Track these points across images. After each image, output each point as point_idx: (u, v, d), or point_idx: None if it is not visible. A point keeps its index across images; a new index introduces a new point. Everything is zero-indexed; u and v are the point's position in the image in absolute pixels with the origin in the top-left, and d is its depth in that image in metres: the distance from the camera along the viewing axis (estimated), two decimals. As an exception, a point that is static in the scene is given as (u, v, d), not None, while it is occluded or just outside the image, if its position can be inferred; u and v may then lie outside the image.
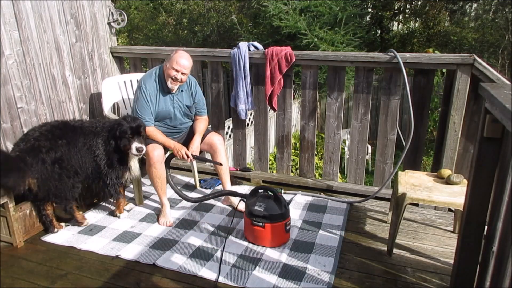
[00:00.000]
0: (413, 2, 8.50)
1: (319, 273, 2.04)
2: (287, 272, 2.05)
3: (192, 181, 3.25)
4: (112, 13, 3.35)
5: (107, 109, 2.99)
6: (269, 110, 3.12)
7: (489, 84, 1.53)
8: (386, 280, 2.00)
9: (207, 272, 2.05)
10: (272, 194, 2.32)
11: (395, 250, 2.24)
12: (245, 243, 2.33)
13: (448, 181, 2.19)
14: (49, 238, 2.41)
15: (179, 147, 2.57)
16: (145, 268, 2.11)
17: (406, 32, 9.01)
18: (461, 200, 1.82)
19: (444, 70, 3.27)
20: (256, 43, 3.03)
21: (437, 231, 2.47)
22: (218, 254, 2.22)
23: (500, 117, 1.23)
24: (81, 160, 2.42)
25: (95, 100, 3.28)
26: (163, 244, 2.33)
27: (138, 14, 10.86)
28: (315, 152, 3.18)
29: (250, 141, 5.90)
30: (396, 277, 2.03)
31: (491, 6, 8.20)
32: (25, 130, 2.67)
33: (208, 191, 3.10)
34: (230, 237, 2.40)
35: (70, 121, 2.59)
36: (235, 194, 2.57)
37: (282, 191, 3.03)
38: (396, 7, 8.41)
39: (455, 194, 2.06)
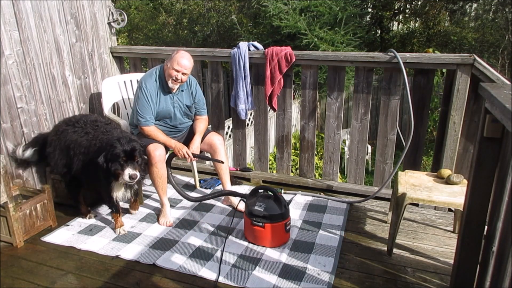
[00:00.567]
0: (413, 2, 8.49)
1: (319, 273, 2.04)
2: (287, 272, 2.05)
3: (192, 181, 3.25)
4: (112, 13, 3.35)
5: (107, 109, 3.00)
6: (269, 110, 3.13)
7: (489, 84, 1.53)
8: (386, 280, 2.01)
9: (207, 272, 2.05)
10: (272, 194, 2.32)
11: (395, 250, 2.24)
12: (245, 243, 2.33)
13: (448, 181, 2.19)
14: (49, 238, 2.41)
15: (180, 146, 2.57)
16: (145, 268, 2.11)
17: (406, 32, 9.00)
18: (461, 200, 1.82)
19: (444, 70, 3.27)
20: (256, 43, 3.03)
21: (437, 231, 2.47)
22: (218, 254, 2.22)
23: (500, 117, 1.24)
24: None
25: (95, 100, 3.28)
26: (163, 244, 2.33)
27: (138, 14, 10.86)
28: (315, 152, 3.18)
29: (250, 141, 5.90)
30: (396, 277, 2.03)
31: (491, 6, 8.20)
32: (25, 130, 2.68)
33: (208, 191, 3.10)
34: (230, 237, 2.40)
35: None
36: (235, 194, 2.57)
37: (282, 191, 3.03)
38: (396, 7, 8.41)
39: (455, 194, 2.06)
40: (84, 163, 2.38)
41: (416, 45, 8.42)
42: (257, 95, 3.10)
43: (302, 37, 5.81)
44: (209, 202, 2.86)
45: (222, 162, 2.71)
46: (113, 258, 2.20)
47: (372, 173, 3.03)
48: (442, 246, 2.30)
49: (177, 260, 2.16)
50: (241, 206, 2.58)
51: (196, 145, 2.65)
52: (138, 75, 3.13)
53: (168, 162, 2.68)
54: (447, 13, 8.59)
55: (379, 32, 8.62)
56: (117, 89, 3.09)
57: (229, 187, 2.82)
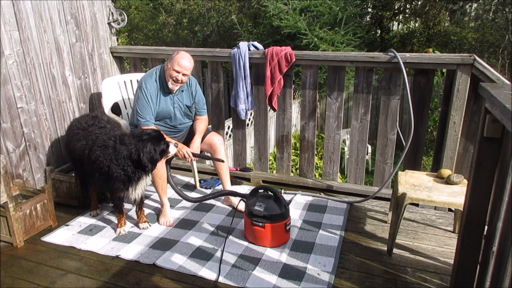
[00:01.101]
0: (413, 2, 8.49)
1: (319, 273, 2.04)
2: (287, 272, 2.05)
3: (192, 181, 3.25)
4: (112, 13, 3.35)
5: (107, 109, 3.00)
6: (269, 110, 3.13)
7: (489, 84, 1.53)
8: (386, 280, 2.01)
9: (207, 272, 2.05)
10: (272, 194, 2.32)
11: (395, 250, 2.24)
12: (245, 243, 2.33)
13: (448, 181, 2.19)
14: (49, 238, 2.41)
15: (180, 146, 2.57)
16: (145, 268, 2.11)
17: (406, 32, 9.00)
18: (461, 200, 1.83)
19: (444, 70, 3.27)
20: (256, 43, 3.03)
21: (437, 231, 2.47)
22: (218, 254, 2.22)
23: (500, 117, 1.24)
24: None
25: (95, 100, 3.28)
26: (163, 244, 2.33)
27: (138, 14, 10.86)
28: (315, 152, 3.18)
29: (250, 141, 5.90)
30: (396, 277, 2.03)
31: (491, 6, 8.20)
32: (25, 130, 2.68)
33: (208, 191, 3.10)
34: (230, 237, 2.40)
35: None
36: (235, 194, 2.57)
37: (282, 191, 3.03)
38: (396, 7, 8.41)
39: (455, 194, 2.06)
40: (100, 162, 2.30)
41: (416, 45, 8.41)
42: (257, 95, 3.10)
43: (302, 37, 5.81)
44: (209, 202, 2.86)
45: (223, 161, 2.72)
46: (113, 258, 2.20)
47: (372, 173, 3.03)
48: (442, 246, 2.30)
49: (177, 260, 2.16)
50: (241, 206, 2.58)
51: (196, 145, 2.65)
52: (138, 75, 3.13)
53: (168, 162, 2.68)
54: (447, 13, 8.59)
55: (379, 32, 8.62)
56: (117, 89, 3.09)
57: (229, 187, 2.82)
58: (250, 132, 5.84)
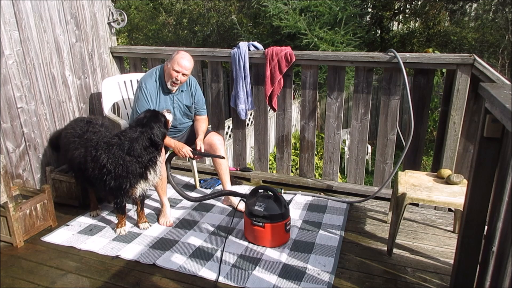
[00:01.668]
0: (413, 2, 8.49)
1: (319, 273, 2.04)
2: (287, 272, 2.05)
3: (192, 181, 3.25)
4: (112, 13, 3.35)
5: (107, 109, 3.00)
6: (269, 110, 3.13)
7: (489, 84, 1.53)
8: (386, 280, 2.01)
9: (207, 272, 2.05)
10: (272, 194, 2.32)
11: (395, 250, 2.24)
12: (245, 243, 2.33)
13: (448, 181, 2.19)
14: (49, 238, 2.41)
15: (180, 146, 2.57)
16: (145, 268, 2.11)
17: (406, 32, 9.00)
18: (461, 200, 1.83)
19: (444, 70, 3.27)
20: (256, 43, 3.03)
21: (437, 231, 2.47)
22: (218, 254, 2.22)
23: (500, 117, 1.24)
24: None
25: (95, 100, 3.28)
26: (163, 244, 2.33)
27: (138, 14, 10.87)
28: (315, 152, 3.18)
29: (250, 141, 5.90)
30: (396, 277, 2.03)
31: (491, 6, 8.20)
32: (25, 130, 2.68)
33: (208, 191, 3.10)
34: (230, 237, 2.40)
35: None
36: (235, 194, 2.57)
37: (282, 191, 3.03)
38: (396, 7, 8.41)
39: (455, 194, 2.06)
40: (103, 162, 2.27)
41: (416, 45, 8.42)
42: (257, 95, 3.10)
43: (302, 37, 5.81)
44: (209, 202, 2.86)
45: (223, 157, 2.72)
46: (113, 258, 2.20)
47: (372, 173, 3.03)
48: (442, 246, 2.30)
49: (177, 260, 2.16)
50: (241, 206, 2.58)
51: (199, 144, 2.66)
52: (138, 75, 3.13)
53: (168, 162, 2.68)
54: (447, 13, 8.59)
55: (379, 32, 8.62)
56: (117, 89, 3.09)
57: (229, 187, 2.82)
58: (250, 132, 5.84)
